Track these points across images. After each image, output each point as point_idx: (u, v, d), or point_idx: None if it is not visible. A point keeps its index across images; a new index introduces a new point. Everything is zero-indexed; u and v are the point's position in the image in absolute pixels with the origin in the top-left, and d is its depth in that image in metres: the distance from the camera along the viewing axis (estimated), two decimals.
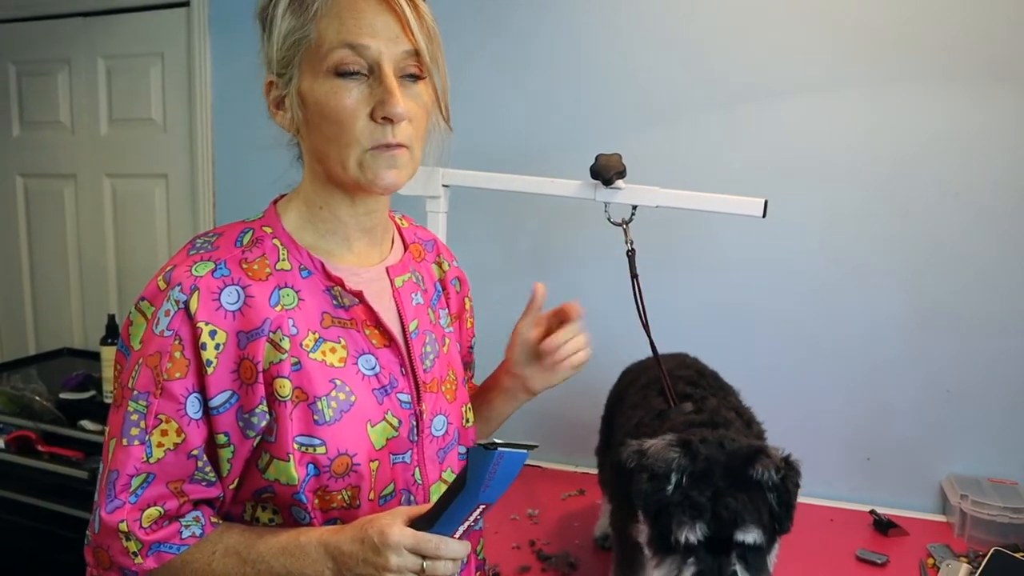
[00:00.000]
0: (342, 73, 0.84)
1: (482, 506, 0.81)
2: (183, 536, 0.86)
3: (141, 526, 0.83)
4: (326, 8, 0.84)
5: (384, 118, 0.84)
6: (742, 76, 1.92)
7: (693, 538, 1.09)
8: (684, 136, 1.99)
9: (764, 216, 1.49)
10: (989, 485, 1.77)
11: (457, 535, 0.81)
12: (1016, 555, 1.53)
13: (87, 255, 2.87)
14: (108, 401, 2.26)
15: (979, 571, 1.49)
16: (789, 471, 1.14)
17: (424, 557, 0.80)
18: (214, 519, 0.89)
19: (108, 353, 2.27)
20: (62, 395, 2.30)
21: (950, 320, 1.84)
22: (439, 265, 1.13)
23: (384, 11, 0.84)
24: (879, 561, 1.59)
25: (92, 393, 2.35)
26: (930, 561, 1.60)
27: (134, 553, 0.84)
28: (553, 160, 2.05)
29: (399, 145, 0.86)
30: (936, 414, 1.88)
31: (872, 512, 1.81)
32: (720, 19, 1.93)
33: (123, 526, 0.83)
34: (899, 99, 1.82)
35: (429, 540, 0.80)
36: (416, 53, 0.86)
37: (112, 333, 2.30)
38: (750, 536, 1.09)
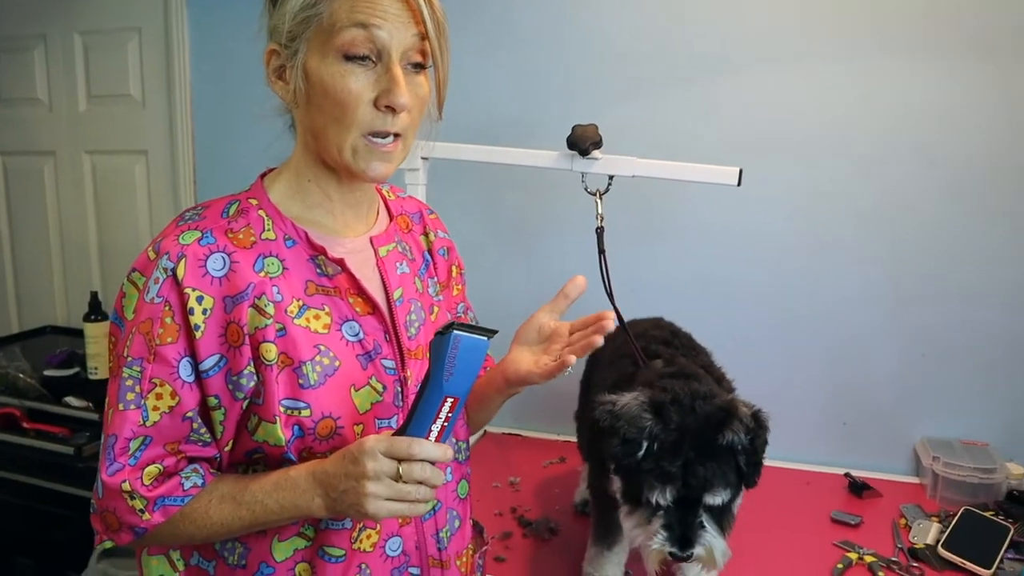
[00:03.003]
0: (350, 57, 0.86)
1: (449, 399, 0.81)
2: (185, 487, 0.89)
3: (143, 483, 0.86)
4: None
5: (387, 107, 0.87)
6: (723, 49, 1.93)
7: (663, 500, 1.12)
8: (664, 108, 2.00)
9: (739, 185, 1.50)
10: (961, 447, 1.82)
11: (431, 437, 0.82)
12: (985, 514, 1.58)
13: (68, 232, 2.84)
14: (92, 377, 2.27)
15: (948, 529, 1.54)
16: (758, 430, 1.16)
17: (399, 460, 0.81)
18: (212, 470, 0.92)
19: (91, 330, 2.26)
20: (46, 372, 2.30)
21: (925, 287, 1.87)
22: (426, 236, 1.15)
23: None
24: (853, 522, 1.63)
25: (76, 370, 2.35)
26: (902, 521, 1.64)
27: (140, 510, 0.86)
28: (533, 131, 2.04)
29: (395, 135, 0.90)
30: (911, 379, 1.91)
31: (847, 475, 1.85)
32: None
33: (126, 485, 0.85)
34: (879, 71, 1.83)
35: (401, 440, 0.82)
36: (423, 38, 0.88)
37: (95, 310, 2.29)
38: (718, 498, 1.13)
